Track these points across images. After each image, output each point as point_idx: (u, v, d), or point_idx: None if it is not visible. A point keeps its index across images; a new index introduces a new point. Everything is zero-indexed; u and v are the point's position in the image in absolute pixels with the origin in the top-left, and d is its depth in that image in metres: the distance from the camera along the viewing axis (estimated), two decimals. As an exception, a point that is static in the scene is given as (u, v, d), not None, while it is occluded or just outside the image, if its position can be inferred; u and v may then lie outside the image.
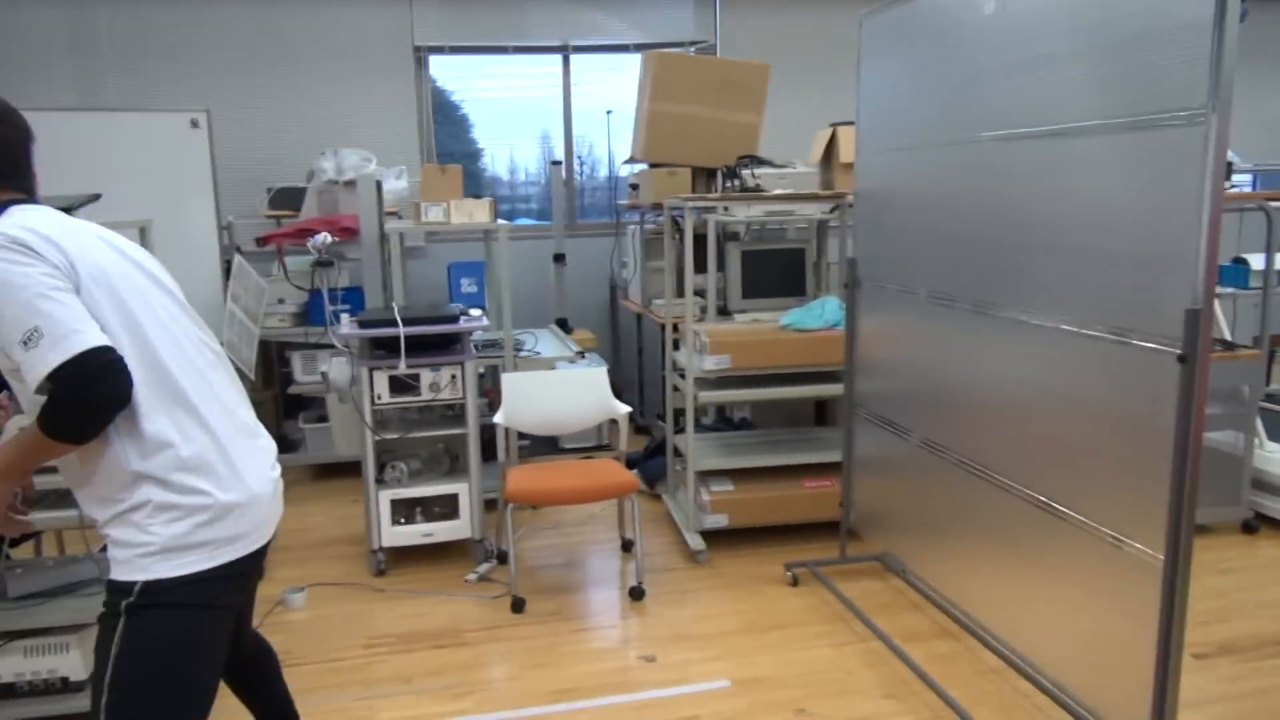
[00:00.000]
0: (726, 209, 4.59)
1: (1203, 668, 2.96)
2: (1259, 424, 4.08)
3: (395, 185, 5.38)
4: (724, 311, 4.56)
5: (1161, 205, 2.01)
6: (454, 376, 3.69)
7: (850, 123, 4.34)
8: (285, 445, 5.12)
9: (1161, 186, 2.01)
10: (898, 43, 3.13)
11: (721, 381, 3.94)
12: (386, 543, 3.72)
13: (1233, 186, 3.98)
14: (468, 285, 5.60)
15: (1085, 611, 2.32)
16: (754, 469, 3.98)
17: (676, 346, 4.29)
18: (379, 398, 3.62)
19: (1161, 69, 2.00)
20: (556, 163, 6.01)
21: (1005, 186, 2.58)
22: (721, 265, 4.64)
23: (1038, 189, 2.44)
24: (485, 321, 3.78)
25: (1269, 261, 3.89)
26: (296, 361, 4.89)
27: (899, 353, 3.24)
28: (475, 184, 6.55)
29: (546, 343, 4.86)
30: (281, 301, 4.85)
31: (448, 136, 6.45)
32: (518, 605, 3.42)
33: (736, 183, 4.28)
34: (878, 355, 3.40)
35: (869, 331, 3.46)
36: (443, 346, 3.72)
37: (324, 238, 4.45)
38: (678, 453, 4.29)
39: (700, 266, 4.74)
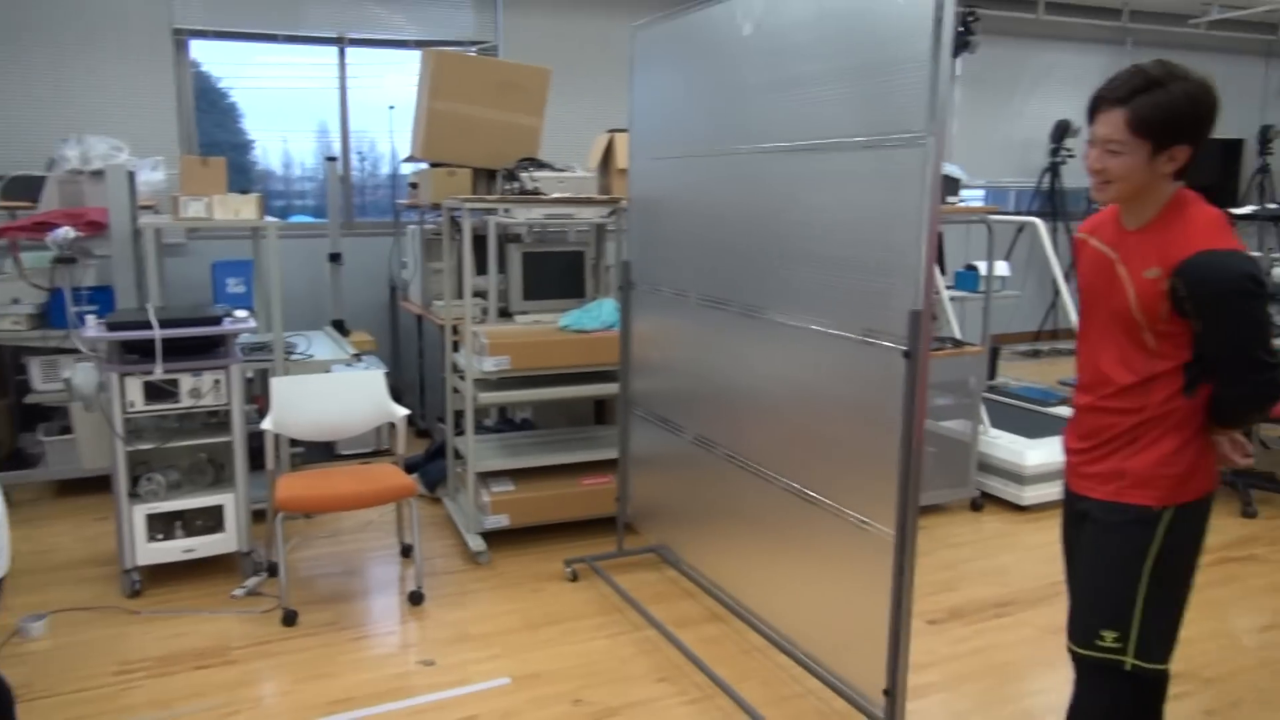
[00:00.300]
0: (507, 211, 4.61)
1: (935, 632, 3.30)
2: (983, 412, 4.58)
3: (151, 177, 5.02)
4: (505, 313, 4.59)
5: (892, 218, 2.24)
6: (218, 382, 3.51)
7: (626, 129, 4.48)
8: (21, 460, 4.67)
9: (892, 201, 2.24)
10: (667, 55, 3.28)
11: (502, 383, 3.97)
12: (142, 561, 3.48)
13: (962, 201, 4.45)
14: (234, 285, 5.32)
15: (832, 588, 2.54)
16: (534, 469, 4.04)
17: (457, 348, 4.27)
18: (131, 405, 3.38)
19: (891, 95, 2.23)
20: (332, 159, 5.82)
21: (765, 197, 2.77)
22: (502, 267, 4.67)
23: (792, 199, 2.64)
24: (253, 323, 3.61)
25: (990, 268, 4.38)
26: (34, 368, 4.46)
27: (672, 353, 3.39)
28: (244, 178, 6.22)
29: (321, 345, 4.70)
30: (16, 302, 4.41)
31: (213, 126, 6.09)
32: (289, 618, 3.30)
33: (516, 185, 4.31)
34: (652, 355, 3.54)
35: (643, 332, 3.60)
36: (205, 350, 3.52)
37: (65, 232, 4.10)
38: (458, 455, 4.27)
39: (481, 268, 4.75)
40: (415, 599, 3.47)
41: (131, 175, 4.20)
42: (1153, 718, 2.11)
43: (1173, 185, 1.88)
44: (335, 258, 5.77)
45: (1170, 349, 1.87)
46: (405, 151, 5.27)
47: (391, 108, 6.49)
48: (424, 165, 5.02)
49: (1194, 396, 1.89)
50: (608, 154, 4.81)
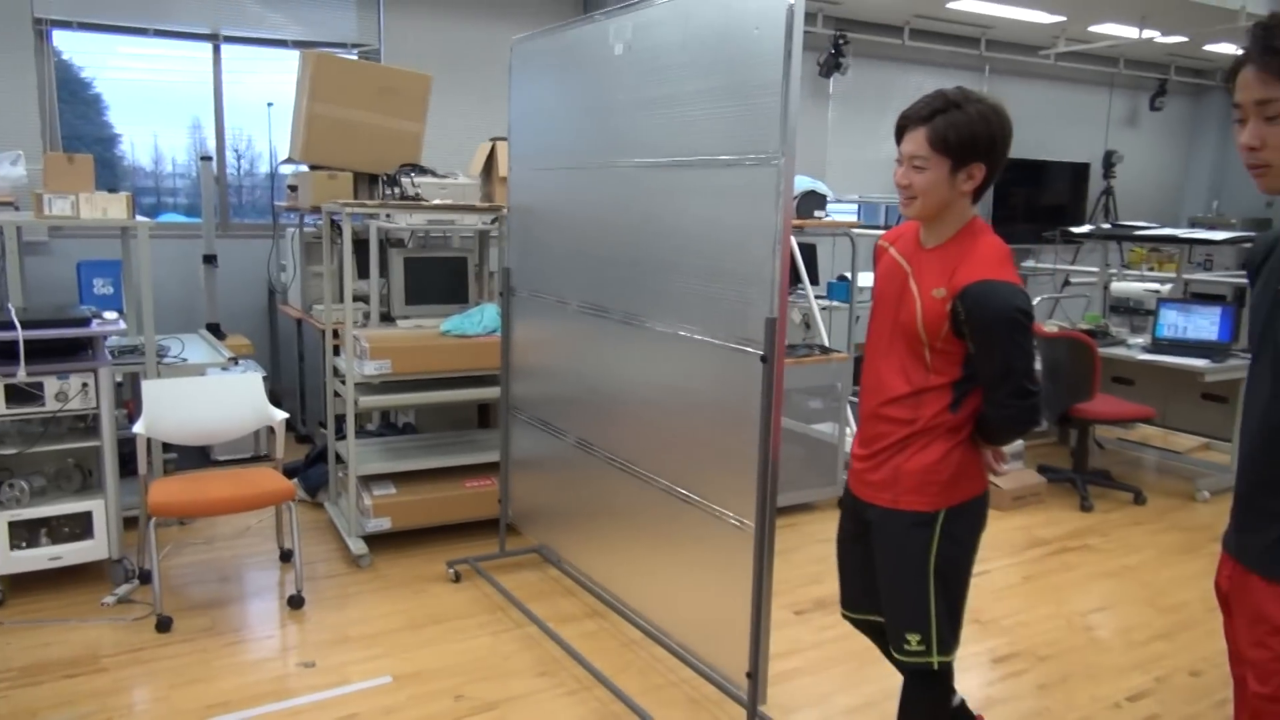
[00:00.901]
0: (389, 216, 4.63)
1: (801, 621, 3.50)
2: (850, 415, 4.85)
3: (10, 172, 4.82)
4: (387, 318, 4.61)
5: (751, 231, 2.41)
6: (85, 385, 3.43)
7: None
8: None
9: (751, 216, 2.41)
10: (546, 69, 3.39)
11: (384, 387, 3.99)
12: (4, 570, 3.36)
13: (829, 215, 4.70)
14: (101, 286, 5.16)
15: (700, 580, 2.69)
16: (417, 471, 4.07)
17: (338, 352, 4.27)
18: (-8, 410, 3.28)
19: (749, 117, 2.39)
20: (207, 158, 5.69)
21: (638, 209, 2.91)
22: (385, 271, 4.68)
23: (663, 212, 2.79)
24: (122, 325, 3.55)
25: (854, 278, 4.65)
26: (-119, 372, 4.23)
27: (551, 357, 3.50)
28: (110, 173, 6.01)
29: (195, 349, 4.61)
30: None
31: (76, 118, 5.86)
32: (164, 624, 3.26)
33: (397, 190, 4.35)
34: (532, 360, 3.64)
35: (523, 337, 3.69)
36: (72, 352, 3.44)
37: (-82, 231, 3.92)
38: (339, 459, 4.27)
39: (363, 272, 4.75)
40: (295, 602, 3.47)
41: (-9, 172, 4.05)
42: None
43: (970, 209, 2.08)
44: (210, 260, 5.64)
45: (944, 365, 2.04)
46: (284, 151, 5.21)
47: (270, 105, 6.38)
48: (303, 168, 4.98)
49: (959, 412, 2.07)
50: (490, 161, 4.88)
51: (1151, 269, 7.24)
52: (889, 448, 2.13)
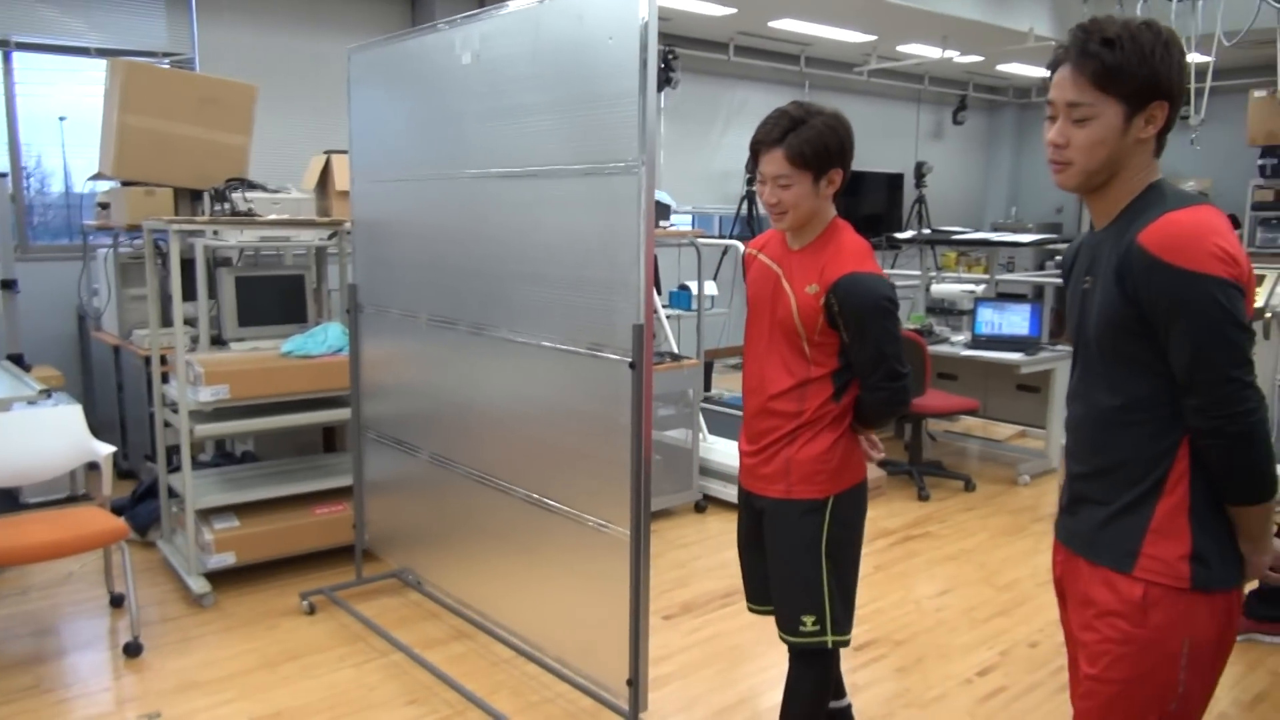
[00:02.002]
0: (216, 233, 4.37)
1: (669, 626, 3.53)
2: (701, 421, 4.95)
3: None
4: (218, 341, 4.34)
5: (613, 239, 2.42)
6: None
7: (344, 150, 4.41)
8: None
9: (612, 224, 2.42)
10: (387, 79, 3.29)
11: (220, 414, 3.75)
12: None
13: (671, 225, 4.80)
14: (-121, 318, 4.61)
15: (574, 591, 2.67)
16: (260, 501, 3.85)
17: (166, 379, 3.99)
18: None
19: (607, 126, 2.41)
20: (2, 175, 5.20)
21: (492, 219, 2.87)
22: (213, 293, 4.41)
23: (520, 223, 2.76)
24: (-86, 360, 3.18)
25: (700, 286, 4.75)
26: None
27: (404, 374, 3.39)
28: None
29: (-2, 383, 4.19)
30: None
31: None
32: (-23, 688, 2.94)
33: (227, 206, 4.11)
34: (383, 378, 3.52)
35: (373, 355, 3.57)
36: None
37: None
38: (172, 493, 3.98)
39: (188, 294, 4.45)
40: (132, 650, 3.20)
41: None
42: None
43: (831, 210, 2.21)
44: (9, 285, 5.15)
45: (823, 357, 2.17)
46: (85, 168, 4.81)
47: (62, 119, 5.90)
48: (115, 184, 4.64)
49: (841, 401, 2.20)
50: (324, 175, 4.70)
51: (963, 272, 7.78)
52: (778, 440, 2.21)
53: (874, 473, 5.15)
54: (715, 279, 8.48)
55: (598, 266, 2.49)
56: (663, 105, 8.34)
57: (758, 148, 2.15)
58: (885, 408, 2.19)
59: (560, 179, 2.58)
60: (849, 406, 2.21)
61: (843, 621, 2.24)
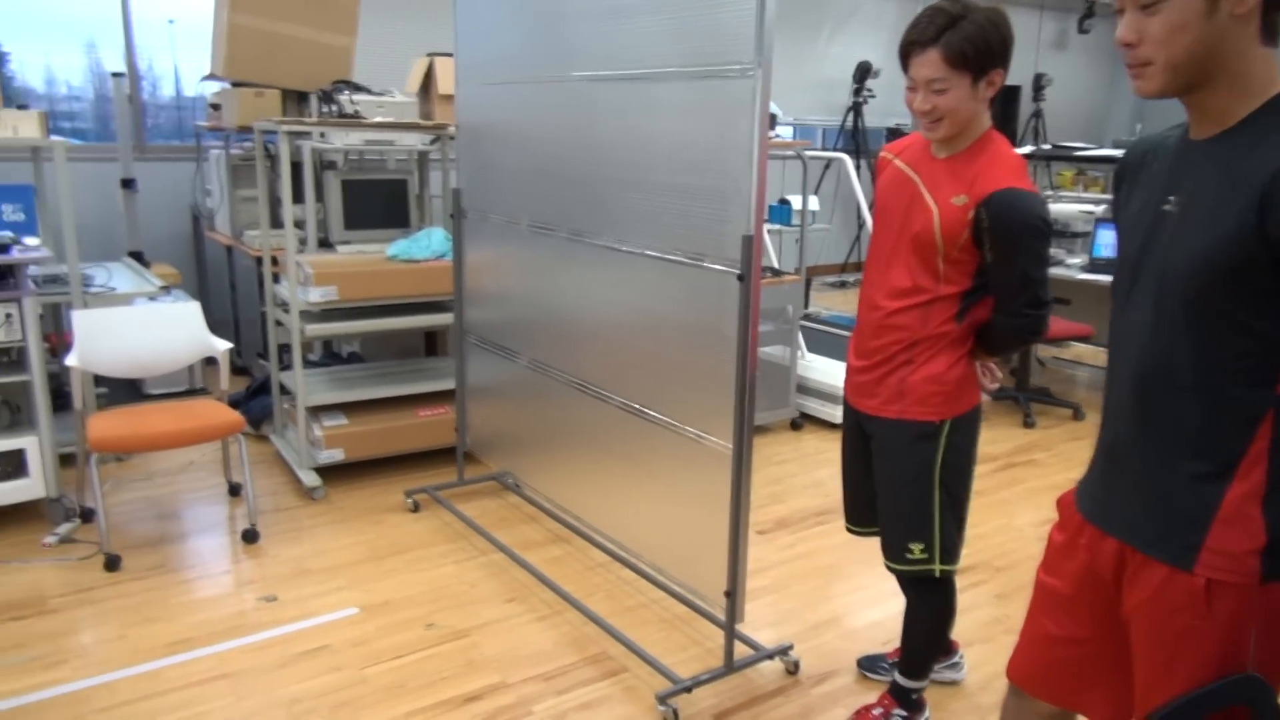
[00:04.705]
0: (323, 135, 4.41)
1: (764, 541, 3.54)
2: (800, 338, 4.86)
3: (-97, 90, 4.44)
4: (325, 243, 4.42)
5: (725, 147, 2.34)
6: (9, 316, 3.22)
7: (448, 54, 4.37)
8: None
9: (725, 130, 2.34)
10: (497, -22, 3.21)
11: (329, 315, 3.85)
12: (-69, 513, 3.19)
13: (776, 136, 4.64)
14: (12, 212, 4.81)
15: (674, 502, 2.68)
16: (367, 401, 3.96)
17: (277, 280, 4.09)
18: (-91, 344, 3.06)
19: (723, 27, 2.30)
20: (119, 74, 5.33)
21: (598, 124, 2.80)
22: (320, 195, 4.48)
23: (627, 128, 2.69)
24: (45, 252, 3.33)
25: (805, 201, 4.62)
26: None
27: (506, 280, 3.40)
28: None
29: (121, 278, 4.37)
30: None
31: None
32: (112, 563, 3.13)
33: (334, 108, 4.13)
34: (485, 283, 3.54)
35: (476, 261, 3.58)
36: (-7, 282, 3.22)
37: None
38: (284, 390, 4.13)
39: (297, 196, 4.53)
40: (249, 537, 3.36)
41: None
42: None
43: (988, 117, 2.05)
44: (129, 184, 5.33)
45: (957, 275, 2.04)
46: (191, 71, 4.88)
47: (172, 22, 5.98)
48: (226, 85, 4.70)
49: (963, 322, 2.08)
50: (427, 79, 4.67)
51: (1081, 191, 7.39)
52: (893, 358, 2.12)
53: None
54: (817, 194, 8.26)
55: (708, 174, 2.41)
56: (769, 10, 8.02)
57: (909, 49, 1.98)
58: (1019, 335, 2.07)
59: (671, 82, 2.50)
60: (970, 330, 2.10)
61: (952, 550, 2.18)
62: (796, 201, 5.39)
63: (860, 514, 2.39)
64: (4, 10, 5.52)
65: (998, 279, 2.03)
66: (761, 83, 2.22)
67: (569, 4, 2.85)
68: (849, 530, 2.44)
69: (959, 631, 2.89)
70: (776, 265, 4.83)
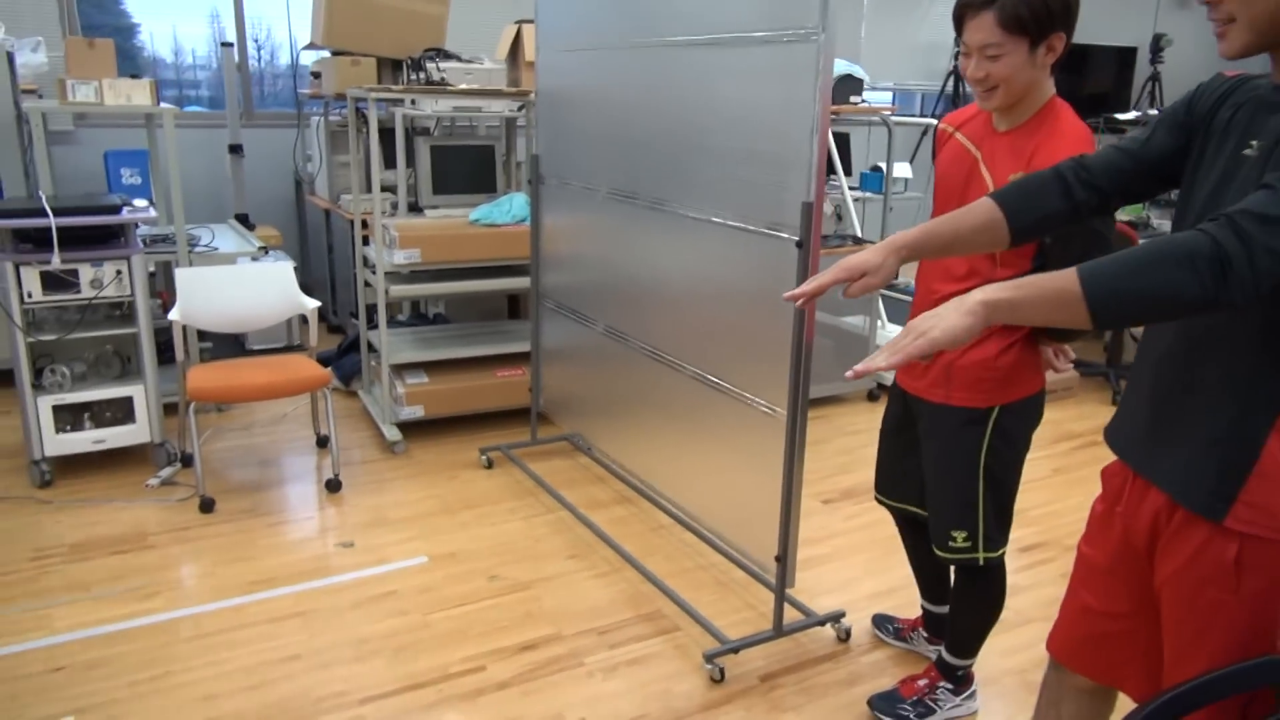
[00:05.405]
0: (414, 102, 4.54)
1: (829, 510, 3.54)
2: (881, 308, 4.80)
3: (32, 59, 4.75)
4: (415, 208, 4.57)
5: (787, 113, 2.33)
6: (119, 272, 3.45)
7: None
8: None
9: (788, 96, 2.33)
10: (575, -55, 3.25)
11: (413, 277, 3.99)
12: (50, 451, 3.46)
13: (865, 102, 4.55)
14: (129, 176, 5.13)
15: (732, 468, 2.71)
16: (448, 361, 4.10)
17: (367, 242, 4.26)
18: (29, 296, 3.31)
19: (790, -8, 2.29)
20: (228, 44, 5.58)
21: (669, 90, 2.82)
22: (411, 161, 4.62)
23: (696, 93, 2.70)
24: (153, 213, 3.54)
25: (888, 168, 4.53)
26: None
27: (582, 246, 3.46)
28: (131, 64, 5.91)
29: (225, 238, 4.62)
30: (-107, 190, 4.20)
31: (92, 7, 5.74)
32: (207, 505, 3.35)
33: (422, 76, 4.25)
34: (562, 249, 3.61)
35: (553, 226, 3.65)
36: (104, 240, 3.44)
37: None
38: (371, 348, 4.31)
39: (389, 162, 4.69)
40: (332, 486, 3.55)
41: (10, 56, 4.00)
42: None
43: (1050, 85, 1.97)
44: (236, 149, 5.59)
45: (1014, 258, 1.96)
46: (305, 39, 5.09)
47: (290, -8, 6.20)
48: (326, 53, 4.87)
49: None
50: (515, 45, 4.74)
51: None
52: None
53: (1062, 376, 4.86)
54: (912, 161, 8.06)
55: (771, 141, 2.41)
56: (868, -29, 7.81)
57: (963, 12, 1.89)
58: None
59: (738, 47, 2.50)
60: None
61: (996, 538, 2.15)
62: (900, 170, 5.28)
63: (890, 484, 2.39)
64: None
65: (1057, 260, 1.94)
66: (825, 48, 2.20)
67: (641, -30, 2.87)
68: (877, 499, 2.44)
69: (1021, 608, 2.86)
70: (859, 234, 4.76)
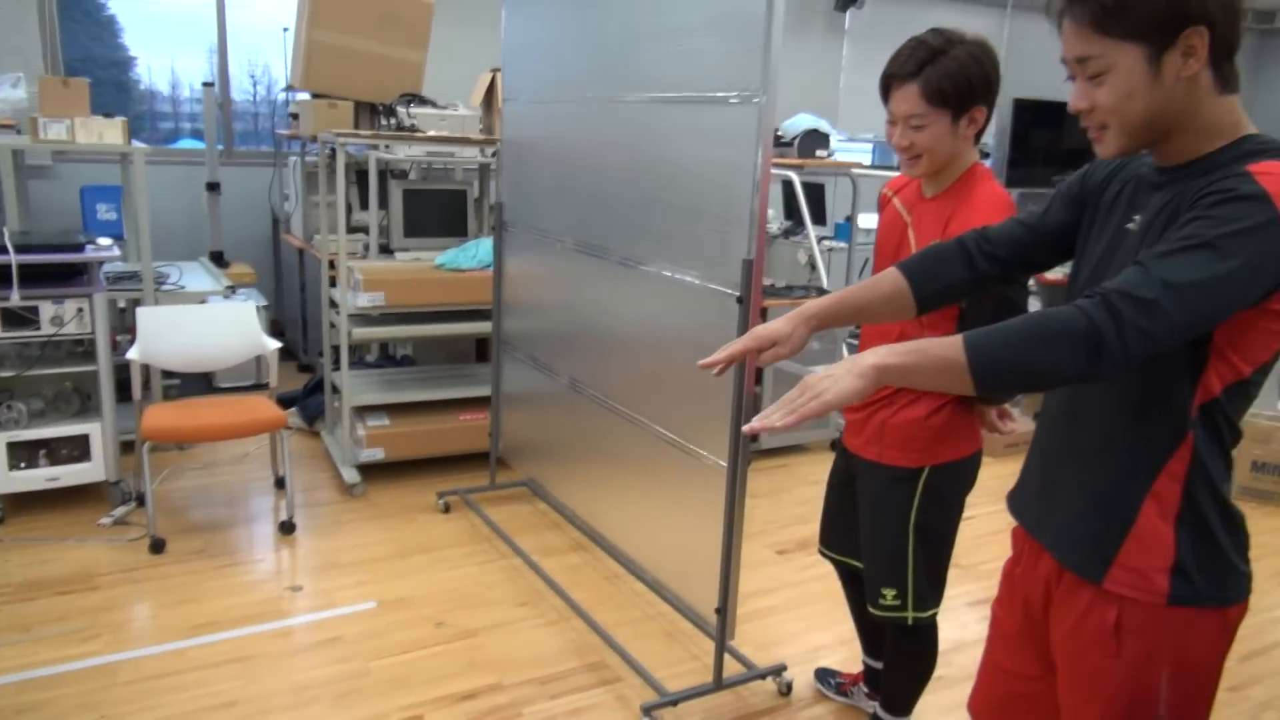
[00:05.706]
0: (387, 147, 4.60)
1: (782, 561, 3.55)
2: (845, 354, 4.84)
3: (11, 95, 4.81)
4: (386, 249, 4.60)
5: (730, 171, 2.38)
6: (81, 310, 3.47)
7: (508, 70, 4.50)
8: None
9: (731, 155, 2.38)
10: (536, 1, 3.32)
11: (379, 319, 4.01)
12: (3, 489, 3.45)
13: (831, 155, 4.64)
14: (105, 211, 5.16)
15: (675, 517, 2.73)
16: (411, 403, 4.11)
17: (334, 283, 4.29)
18: (-11, 333, 3.33)
19: (732, 55, 2.35)
20: (208, 84, 5.65)
21: (627, 145, 2.87)
22: (384, 203, 4.66)
23: (653, 149, 2.75)
24: (116, 251, 3.57)
25: (853, 220, 4.60)
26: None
27: (543, 294, 3.50)
28: (125, 97, 5.99)
29: (195, 276, 4.64)
30: None
31: (88, 40, 5.82)
32: (157, 546, 3.34)
33: (393, 121, 4.31)
34: (524, 296, 3.64)
35: (516, 273, 3.69)
36: (67, 277, 3.47)
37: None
38: (335, 389, 4.32)
39: (364, 203, 4.73)
40: (286, 528, 3.54)
41: (-12, 94, 4.04)
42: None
43: (972, 154, 2.02)
44: (213, 187, 5.64)
45: (938, 320, 1.99)
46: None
47: (285, 30, 6.29)
48: (305, 95, 4.94)
49: None
50: (490, 92, 4.82)
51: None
52: (876, 400, 2.11)
53: (1024, 425, 4.88)
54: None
55: (716, 197, 2.46)
56: (846, 27, 7.98)
57: (889, 82, 1.96)
58: None
59: (689, 105, 2.55)
60: None
61: (927, 598, 2.15)
62: (866, 221, 5.34)
63: (831, 538, 2.41)
64: (136, 19, 5.91)
65: (974, 324, 1.99)
66: (765, 110, 2.26)
67: (606, 26, 2.93)
68: (820, 552, 2.45)
69: (965, 664, 2.87)
70: (825, 285, 4.81)
